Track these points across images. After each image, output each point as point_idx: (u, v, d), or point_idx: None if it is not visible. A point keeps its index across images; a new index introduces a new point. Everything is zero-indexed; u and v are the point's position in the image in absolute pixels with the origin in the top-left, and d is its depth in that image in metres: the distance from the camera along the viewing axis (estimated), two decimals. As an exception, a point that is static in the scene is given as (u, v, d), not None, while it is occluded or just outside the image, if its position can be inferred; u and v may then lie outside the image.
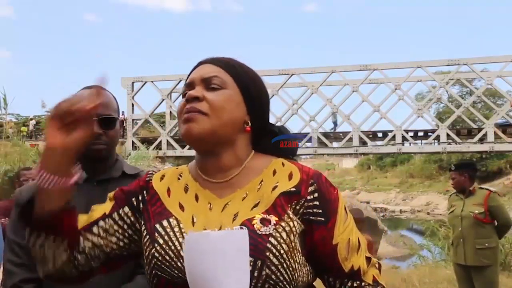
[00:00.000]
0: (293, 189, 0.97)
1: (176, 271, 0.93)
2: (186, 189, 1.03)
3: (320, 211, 0.97)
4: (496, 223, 4.37)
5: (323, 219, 0.97)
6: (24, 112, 34.54)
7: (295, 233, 0.94)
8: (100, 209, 1.06)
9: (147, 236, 0.99)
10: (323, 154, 22.39)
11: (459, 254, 4.42)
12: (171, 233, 0.96)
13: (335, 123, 18.37)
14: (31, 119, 26.82)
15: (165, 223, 0.98)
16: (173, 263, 0.93)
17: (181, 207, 1.00)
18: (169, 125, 18.57)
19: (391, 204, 30.84)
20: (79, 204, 1.42)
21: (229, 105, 0.99)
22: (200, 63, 1.05)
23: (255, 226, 0.92)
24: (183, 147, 16.56)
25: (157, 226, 0.98)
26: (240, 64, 1.06)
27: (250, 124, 1.02)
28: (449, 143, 15.53)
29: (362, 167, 41.80)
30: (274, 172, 1.01)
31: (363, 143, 16.45)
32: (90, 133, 0.95)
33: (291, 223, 0.94)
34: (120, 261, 1.07)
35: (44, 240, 0.98)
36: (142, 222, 1.03)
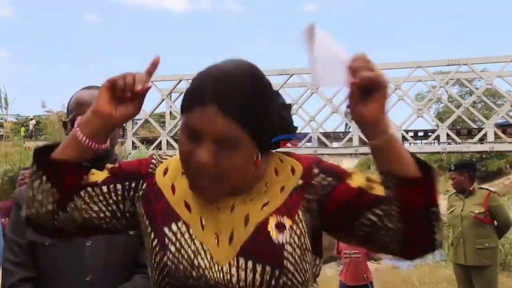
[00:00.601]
0: (300, 181, 0.97)
1: (190, 280, 0.92)
2: (191, 187, 0.99)
3: (330, 178, 0.96)
4: (496, 223, 4.38)
5: (336, 181, 0.96)
6: (24, 112, 34.54)
7: (305, 233, 0.94)
8: (93, 176, 1.03)
9: (156, 240, 0.97)
10: (323, 154, 22.41)
11: (459, 254, 4.42)
12: (182, 240, 0.94)
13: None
14: (31, 119, 26.81)
15: (174, 227, 0.96)
16: (187, 272, 0.92)
17: (188, 206, 0.98)
18: (169, 125, 18.56)
19: (391, 204, 30.76)
20: None
21: (243, 166, 0.91)
22: (210, 100, 0.87)
23: (270, 233, 0.92)
24: (183, 147, 16.55)
25: (166, 230, 0.96)
26: (253, 93, 0.90)
27: (260, 156, 0.96)
28: (449, 143, 15.52)
29: (362, 167, 41.77)
30: (276, 172, 1.00)
31: (363, 143, 16.44)
32: (136, 112, 0.96)
33: (301, 224, 0.94)
34: (95, 231, 1.05)
35: (41, 183, 0.97)
36: (144, 216, 1.00)
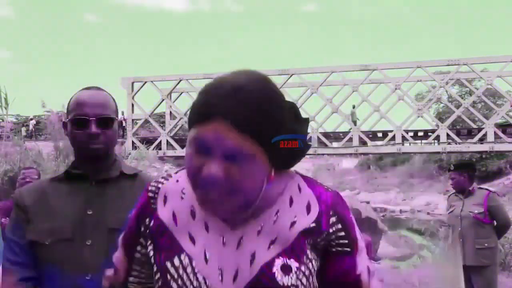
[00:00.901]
0: (313, 224, 0.92)
1: None
2: (193, 214, 0.96)
3: (346, 241, 0.93)
4: (495, 223, 4.38)
5: (349, 249, 0.94)
6: (24, 112, 34.54)
7: (313, 274, 0.92)
8: (121, 265, 1.07)
9: (158, 274, 0.94)
10: (323, 154, 22.38)
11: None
12: (185, 276, 0.91)
13: (355, 123, 18.16)
14: (31, 119, 26.83)
15: (176, 262, 0.92)
16: None
17: (191, 238, 0.94)
18: (169, 125, 18.57)
19: (391, 204, 30.80)
20: (78, 203, 1.43)
21: (256, 179, 0.87)
22: (214, 114, 0.83)
23: (275, 275, 0.88)
24: (183, 147, 16.55)
25: (168, 265, 0.93)
26: (265, 107, 0.85)
27: (273, 171, 0.92)
28: (449, 143, 15.52)
29: (362, 167, 41.78)
30: (291, 202, 0.94)
31: (363, 143, 16.45)
32: None
33: (310, 265, 0.91)
34: None
35: None
36: (150, 249, 0.98)
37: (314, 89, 16.19)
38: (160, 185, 1.01)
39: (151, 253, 0.98)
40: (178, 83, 17.36)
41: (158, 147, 17.17)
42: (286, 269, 0.89)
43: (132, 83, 17.55)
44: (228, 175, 0.84)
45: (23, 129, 21.37)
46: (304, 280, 0.90)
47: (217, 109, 0.83)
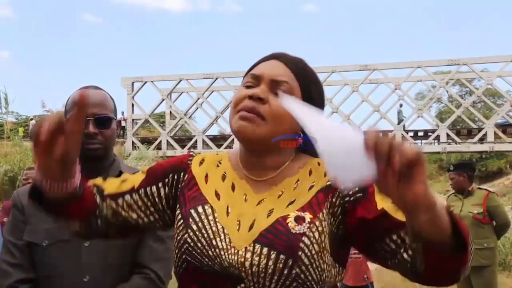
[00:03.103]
0: (328, 182, 0.97)
1: (206, 259, 0.94)
2: (223, 177, 1.05)
3: (356, 188, 0.95)
4: (494, 224, 4.38)
5: (361, 194, 0.95)
6: (24, 112, 34.56)
7: (325, 233, 0.94)
8: (130, 181, 1.08)
9: (181, 220, 1.00)
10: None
11: (458, 254, 4.42)
12: (205, 221, 0.97)
13: (400, 121, 17.95)
14: (31, 119, 26.82)
15: (200, 209, 0.99)
16: (204, 251, 0.94)
17: (217, 195, 1.01)
18: (169, 125, 18.56)
19: (391, 204, 30.76)
20: None
21: (289, 117, 0.91)
22: (272, 57, 1.04)
23: (289, 224, 0.92)
24: (183, 147, 16.57)
25: (192, 211, 0.99)
26: (310, 72, 1.06)
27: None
28: (449, 143, 15.52)
29: (362, 167, 41.79)
30: (310, 172, 1.02)
31: (363, 143, 16.42)
32: (74, 146, 0.89)
33: (324, 223, 0.94)
34: (135, 232, 1.13)
35: (56, 218, 1.02)
36: (178, 205, 1.04)
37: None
38: (200, 153, 1.12)
39: (180, 201, 1.03)
40: (178, 83, 17.36)
41: (158, 147, 17.17)
42: (299, 220, 0.93)
43: (132, 83, 17.55)
44: (268, 100, 0.97)
45: (21, 129, 21.33)
46: (316, 234, 0.92)
47: (276, 55, 1.04)
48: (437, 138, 15.92)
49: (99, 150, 1.44)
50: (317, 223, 0.93)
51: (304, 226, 0.92)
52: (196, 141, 16.67)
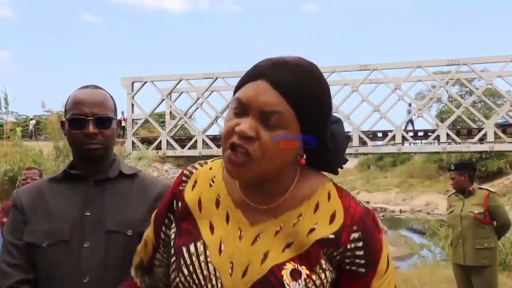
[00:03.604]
0: (332, 236, 0.89)
1: None
2: (217, 203, 0.98)
3: (363, 261, 0.89)
4: (495, 224, 4.37)
5: (363, 270, 0.89)
6: (24, 112, 34.52)
7: (325, 284, 0.89)
8: (149, 239, 1.11)
9: (174, 257, 0.98)
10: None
11: (458, 254, 4.41)
12: (196, 263, 0.92)
13: (410, 120, 17.76)
14: (31, 119, 26.82)
15: (191, 248, 0.94)
16: None
17: (211, 227, 0.96)
18: (169, 125, 18.57)
19: (391, 204, 30.79)
20: (76, 204, 1.40)
21: (284, 151, 0.87)
22: (259, 75, 0.88)
23: (284, 278, 0.86)
24: (183, 147, 16.57)
25: (184, 250, 0.95)
26: (309, 86, 0.88)
27: (304, 156, 0.92)
28: (449, 143, 15.52)
29: (362, 167, 41.78)
30: (316, 208, 0.92)
31: (363, 143, 16.44)
32: None
33: (322, 275, 0.88)
34: None
35: None
36: (172, 235, 1.01)
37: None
38: (194, 170, 1.04)
39: (173, 236, 1.01)
40: (178, 83, 17.36)
41: (158, 147, 17.16)
42: (295, 274, 0.87)
43: (132, 83, 17.55)
44: (258, 136, 0.85)
45: (18, 129, 21.28)
46: None
47: (261, 72, 0.88)
48: (437, 138, 15.92)
49: (100, 150, 1.43)
50: (314, 277, 0.87)
51: (300, 283, 0.86)
52: (196, 141, 16.66)
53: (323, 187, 0.94)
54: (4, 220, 3.83)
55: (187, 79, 17.41)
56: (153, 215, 1.12)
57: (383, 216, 24.60)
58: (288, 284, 0.86)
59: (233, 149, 0.87)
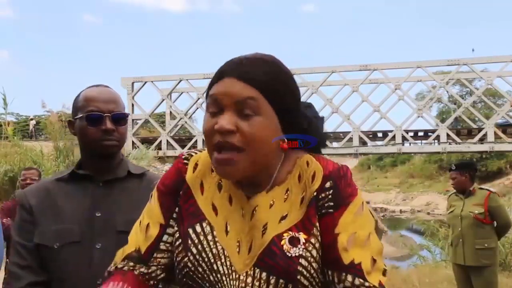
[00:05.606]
0: (315, 193, 0.94)
1: (207, 284, 0.93)
2: (219, 187, 1.00)
3: (332, 203, 0.93)
4: (495, 224, 4.37)
5: (332, 210, 0.93)
6: (24, 112, 34.52)
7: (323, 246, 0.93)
8: (153, 222, 1.01)
9: (180, 240, 0.97)
10: (323, 154, 22.38)
11: (458, 254, 4.41)
12: (205, 242, 0.94)
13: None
14: (31, 119, 26.80)
15: (198, 228, 0.96)
16: (205, 276, 0.93)
17: (215, 209, 0.98)
18: (169, 125, 18.57)
19: (391, 204, 30.82)
20: (84, 204, 1.39)
21: (266, 135, 0.90)
22: (224, 74, 0.92)
23: (284, 247, 0.91)
24: (183, 147, 16.56)
25: (190, 231, 0.96)
26: (272, 72, 0.93)
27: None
28: (449, 143, 15.52)
29: (362, 167, 41.79)
30: (300, 178, 0.97)
31: (363, 143, 16.44)
32: None
33: (319, 237, 0.92)
34: None
35: None
36: (175, 221, 1.00)
37: (314, 89, 16.18)
38: (193, 154, 1.05)
39: (175, 228, 0.99)
40: (178, 83, 17.36)
41: (158, 147, 17.16)
42: (294, 241, 0.91)
43: (132, 83, 17.55)
44: (238, 127, 0.88)
45: (9, 128, 21.18)
46: (313, 252, 0.91)
47: (226, 71, 0.92)
48: (437, 138, 15.91)
49: (115, 147, 1.42)
50: (313, 240, 0.91)
51: (299, 248, 0.90)
52: (196, 141, 16.66)
53: (301, 157, 0.99)
54: (4, 221, 3.82)
55: (187, 79, 17.41)
56: (154, 192, 1.05)
57: (383, 216, 24.60)
58: (288, 251, 0.90)
59: (219, 150, 0.90)
